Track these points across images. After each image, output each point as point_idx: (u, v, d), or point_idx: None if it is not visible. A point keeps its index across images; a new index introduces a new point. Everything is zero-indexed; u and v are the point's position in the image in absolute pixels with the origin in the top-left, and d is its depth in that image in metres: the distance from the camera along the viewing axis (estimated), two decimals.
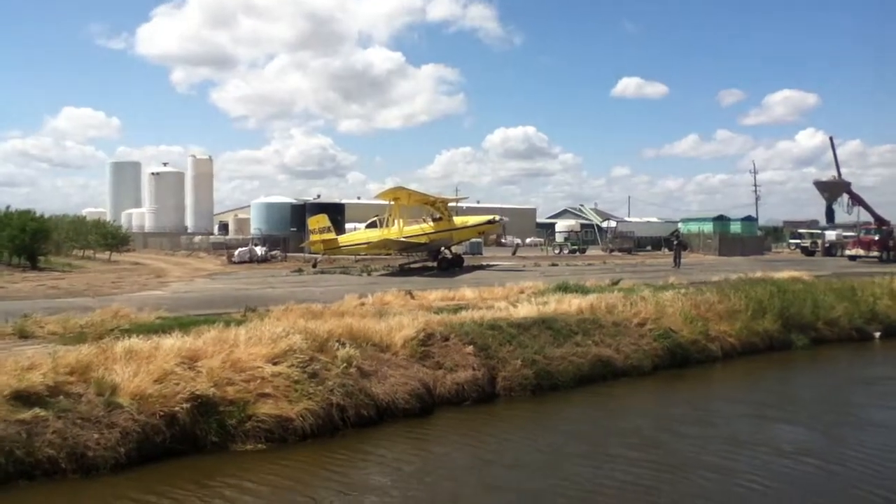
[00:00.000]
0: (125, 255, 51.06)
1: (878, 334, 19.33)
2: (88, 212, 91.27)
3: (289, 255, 43.62)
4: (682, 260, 40.86)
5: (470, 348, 12.53)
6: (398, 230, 32.46)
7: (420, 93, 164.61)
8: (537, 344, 13.39)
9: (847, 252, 50.95)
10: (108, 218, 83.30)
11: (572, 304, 16.25)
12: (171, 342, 10.29)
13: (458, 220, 34.16)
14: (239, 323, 12.83)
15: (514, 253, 50.07)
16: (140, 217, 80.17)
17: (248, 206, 64.49)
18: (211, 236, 61.13)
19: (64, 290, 22.71)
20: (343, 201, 57.72)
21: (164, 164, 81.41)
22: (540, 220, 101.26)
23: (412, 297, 19.35)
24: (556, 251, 57.56)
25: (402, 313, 14.94)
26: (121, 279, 28.41)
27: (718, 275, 26.99)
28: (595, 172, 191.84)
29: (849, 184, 49.82)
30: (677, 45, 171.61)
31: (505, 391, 12.32)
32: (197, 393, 9.27)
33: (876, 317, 19.74)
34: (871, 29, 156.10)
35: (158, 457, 8.71)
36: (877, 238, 48.94)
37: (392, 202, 32.45)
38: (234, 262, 39.10)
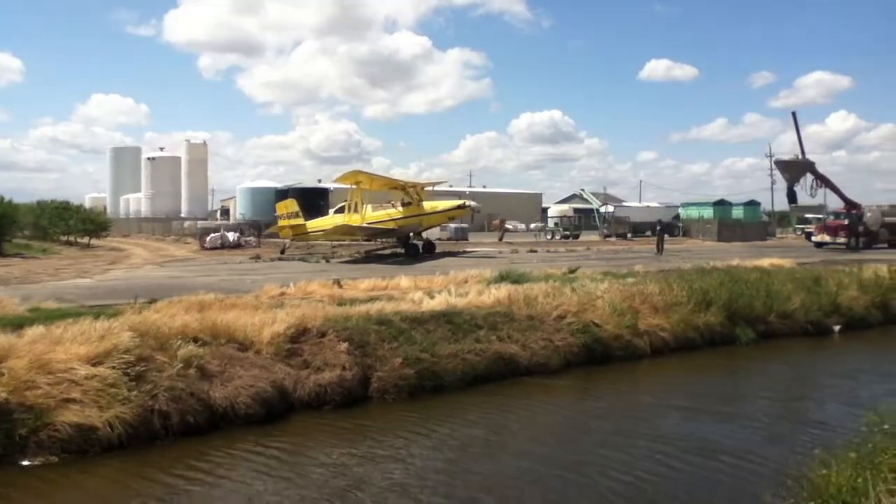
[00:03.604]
0: (108, 240, 50.37)
1: (837, 328, 17.83)
2: (91, 197, 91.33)
3: (269, 240, 42.78)
4: (669, 246, 39.48)
5: (344, 346, 11.41)
6: (360, 216, 31.30)
7: (446, 77, 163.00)
8: (429, 340, 12.25)
9: (813, 238, 46.97)
10: (108, 203, 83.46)
11: (491, 295, 15.14)
12: None
13: (428, 206, 32.91)
14: (111, 316, 11.88)
15: (500, 238, 48.74)
16: (137, 202, 79.75)
17: None
18: (199, 222, 60.38)
19: None
20: (328, 186, 56.70)
21: (161, 149, 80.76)
22: (546, 205, 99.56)
23: (339, 286, 18.32)
24: (549, 237, 56.15)
25: (298, 305, 13.93)
26: (71, 265, 27.65)
27: (696, 262, 25.66)
28: (621, 157, 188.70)
29: (812, 164, 45.83)
30: (708, 26, 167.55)
31: (378, 393, 11.16)
32: None
33: (838, 309, 18.22)
34: None
35: None
36: (846, 223, 44.03)
37: (353, 186, 31.25)
38: (206, 248, 38.30)
